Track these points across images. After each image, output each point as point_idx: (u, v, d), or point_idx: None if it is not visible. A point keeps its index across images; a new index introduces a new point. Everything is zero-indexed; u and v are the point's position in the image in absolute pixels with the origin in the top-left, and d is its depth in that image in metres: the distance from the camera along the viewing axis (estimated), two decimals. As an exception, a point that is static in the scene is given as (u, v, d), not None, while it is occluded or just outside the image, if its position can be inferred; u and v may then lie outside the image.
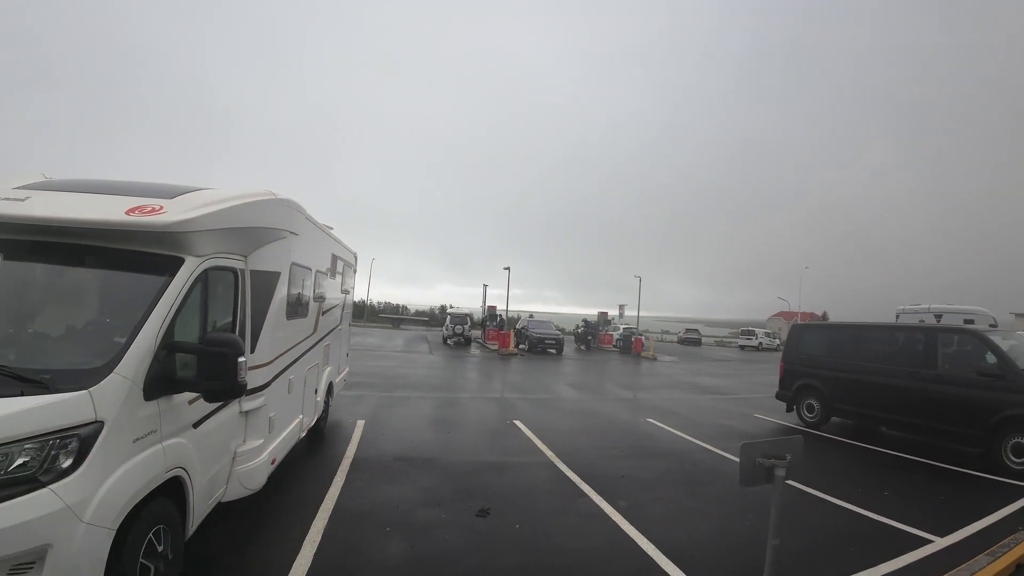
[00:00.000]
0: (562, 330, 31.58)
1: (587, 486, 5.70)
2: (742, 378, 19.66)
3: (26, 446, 2.20)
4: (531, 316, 36.12)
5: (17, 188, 3.24)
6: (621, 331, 32.71)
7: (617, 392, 13.98)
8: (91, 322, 3.06)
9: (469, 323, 29.33)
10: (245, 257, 3.91)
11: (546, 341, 25.77)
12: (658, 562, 3.96)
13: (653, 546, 4.22)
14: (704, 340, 49.80)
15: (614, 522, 4.74)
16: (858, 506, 5.45)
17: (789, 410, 10.53)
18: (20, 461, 2.19)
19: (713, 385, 16.68)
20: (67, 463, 2.27)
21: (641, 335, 32.12)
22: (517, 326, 29.82)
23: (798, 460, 3.10)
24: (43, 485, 2.19)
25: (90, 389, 2.42)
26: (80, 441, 2.32)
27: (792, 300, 54.30)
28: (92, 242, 3.06)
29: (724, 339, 57.50)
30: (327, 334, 6.69)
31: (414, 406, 10.04)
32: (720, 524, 4.90)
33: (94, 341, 2.88)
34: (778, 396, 10.81)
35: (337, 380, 7.85)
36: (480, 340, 29.86)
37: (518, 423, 8.86)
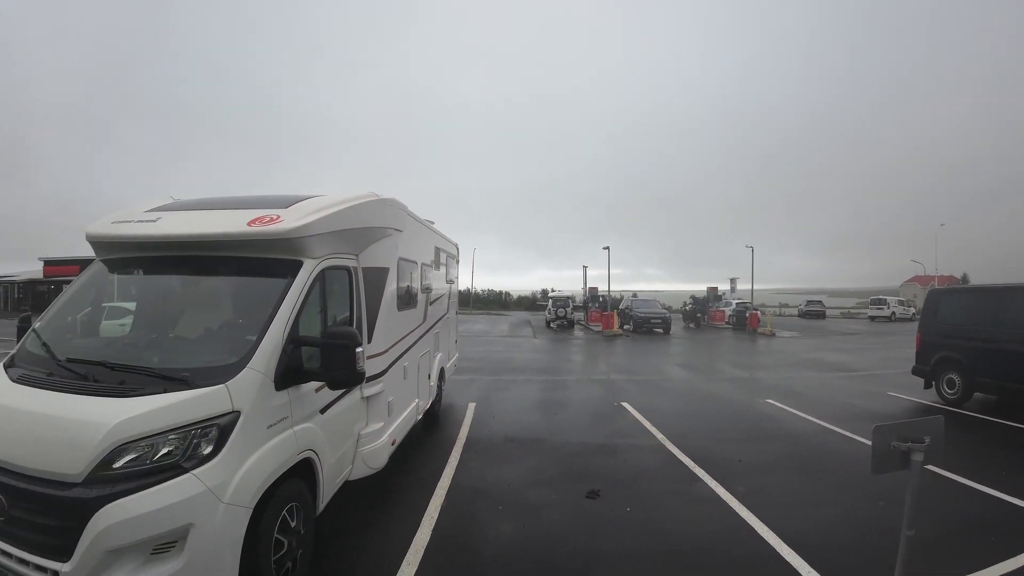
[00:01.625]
0: (668, 308, 30.27)
1: (701, 470, 5.43)
2: (873, 353, 17.61)
3: (169, 437, 2.44)
4: (635, 295, 34.96)
5: (148, 211, 3.65)
6: (733, 306, 30.48)
7: (731, 372, 13.13)
8: (225, 323, 3.37)
9: (571, 305, 29.07)
10: (357, 256, 4.16)
11: (652, 320, 24.84)
12: (780, 551, 3.66)
13: (774, 534, 3.91)
14: (828, 312, 45.07)
15: (731, 508, 4.46)
16: (1004, 492, 4.73)
17: (927, 387, 9.25)
18: (164, 451, 2.42)
19: (840, 362, 15.10)
20: (208, 450, 2.49)
21: (756, 310, 29.83)
22: (621, 306, 29.09)
23: (938, 443, 2.64)
24: (186, 471, 2.40)
25: (227, 383, 2.67)
26: (219, 430, 2.55)
27: (928, 263, 47.38)
28: (220, 252, 3.38)
29: (851, 310, 51.74)
30: (436, 322, 6.96)
31: (521, 389, 10.19)
32: (847, 512, 4.44)
33: (228, 340, 3.16)
34: (914, 371, 9.54)
35: (448, 365, 8.16)
36: (583, 322, 29.61)
37: (626, 405, 8.65)
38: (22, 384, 2.79)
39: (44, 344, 3.11)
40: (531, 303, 48.40)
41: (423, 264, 6.12)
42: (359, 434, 4.08)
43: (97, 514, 2.22)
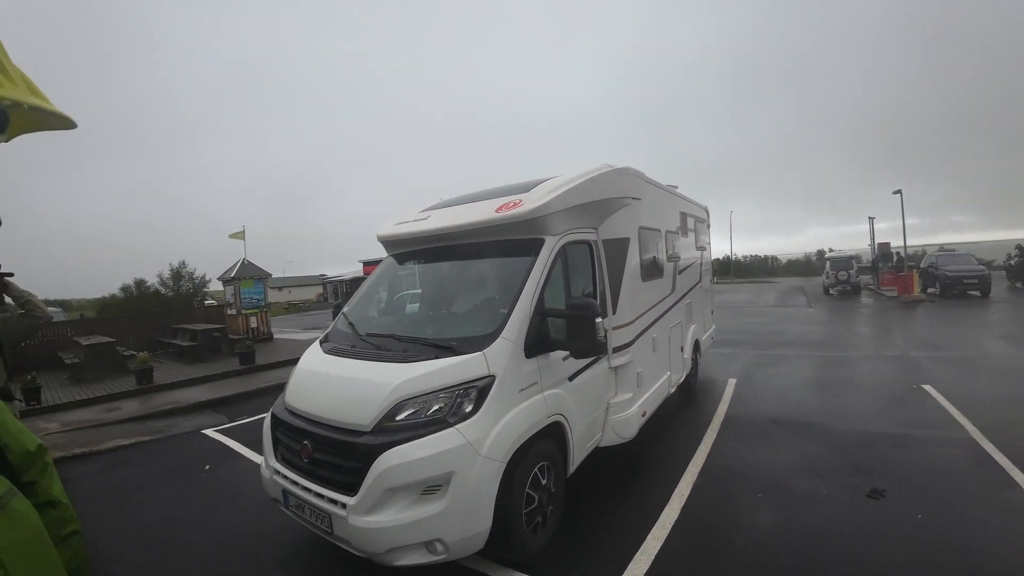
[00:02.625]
0: (988, 263, 22.58)
1: (1022, 473, 3.96)
2: None
3: (439, 395, 2.80)
4: (941, 249, 26.33)
5: (421, 211, 4.35)
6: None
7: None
8: (484, 299, 3.72)
9: (855, 267, 23.70)
10: (596, 229, 4.14)
11: (965, 280, 18.48)
12: None
13: None
14: None
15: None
16: None
17: None
18: (436, 407, 2.78)
19: None
20: (469, 408, 2.79)
21: None
22: (922, 264, 22.55)
23: None
24: (451, 425, 2.72)
25: (484, 351, 2.96)
26: (478, 391, 2.83)
27: None
28: (477, 239, 3.79)
29: None
30: (686, 292, 6.52)
31: (791, 365, 8.81)
32: None
33: (486, 313, 3.47)
34: None
35: (703, 337, 7.59)
36: (872, 286, 24.21)
37: (928, 388, 6.71)
38: (333, 355, 3.50)
39: (350, 323, 3.87)
40: (804, 267, 41.67)
41: (667, 232, 5.76)
42: (608, 403, 4.07)
43: (380, 457, 2.63)
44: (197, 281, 24.79)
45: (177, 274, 24.99)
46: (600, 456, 4.19)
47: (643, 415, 4.45)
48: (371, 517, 2.60)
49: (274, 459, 3.26)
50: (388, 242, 4.43)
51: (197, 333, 13.21)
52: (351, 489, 2.69)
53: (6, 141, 0.52)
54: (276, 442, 3.30)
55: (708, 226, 8.51)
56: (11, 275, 3.10)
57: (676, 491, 3.99)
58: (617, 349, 4.10)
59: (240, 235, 16.43)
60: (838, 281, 23.27)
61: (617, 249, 4.32)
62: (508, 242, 3.65)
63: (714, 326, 8.81)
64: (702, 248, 7.85)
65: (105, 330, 13.99)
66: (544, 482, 3.19)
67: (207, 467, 5.38)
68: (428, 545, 2.63)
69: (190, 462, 5.59)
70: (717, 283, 9.65)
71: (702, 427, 5.54)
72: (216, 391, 9.15)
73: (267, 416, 3.50)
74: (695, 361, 6.99)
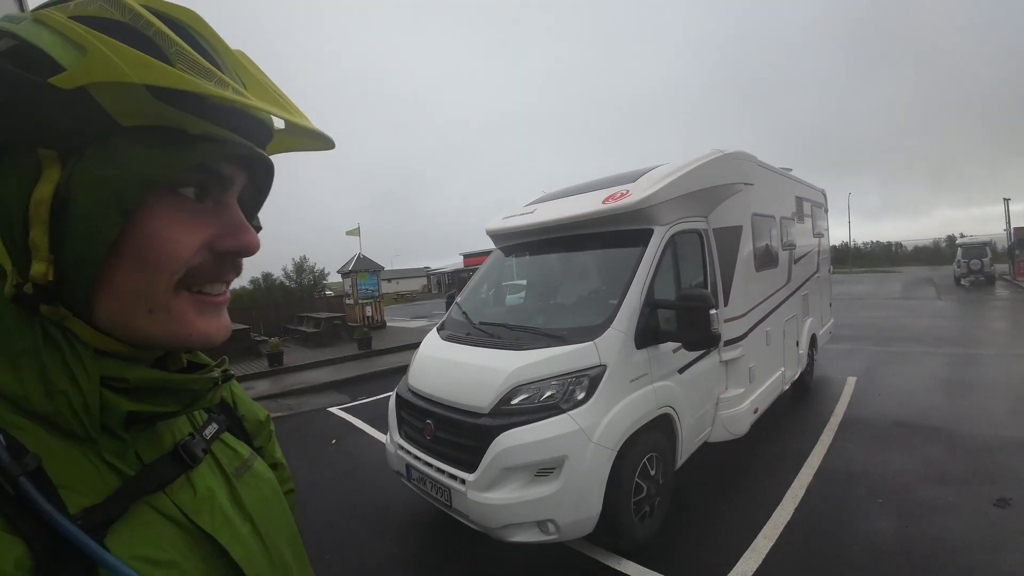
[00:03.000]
0: None
1: None
2: None
3: (552, 383, 2.87)
4: None
5: (527, 205, 4.42)
6: None
7: None
8: (593, 290, 3.72)
9: (989, 255, 20.67)
10: (706, 217, 3.99)
11: None
12: None
13: None
14: None
15: None
16: None
17: None
18: (548, 393, 2.85)
19: None
20: (580, 396, 2.83)
21: None
22: None
23: None
24: (563, 411, 2.77)
25: (595, 340, 2.98)
26: (589, 380, 2.86)
27: None
28: (584, 231, 3.79)
29: None
30: (803, 283, 6.05)
31: (918, 363, 7.88)
32: None
33: (595, 304, 3.47)
34: None
35: (820, 332, 7.00)
36: (1008, 276, 20.87)
37: None
38: (449, 342, 3.69)
39: (464, 312, 4.04)
40: (932, 255, 36.70)
41: (782, 218, 5.37)
42: (719, 398, 3.92)
43: (497, 438, 2.74)
44: (317, 274, 27.08)
45: (299, 268, 27.47)
46: (709, 451, 4.06)
47: (755, 412, 4.23)
48: (488, 494, 2.73)
49: (398, 435, 3.50)
50: (496, 236, 4.57)
51: (320, 321, 14.41)
52: (470, 466, 2.84)
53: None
54: (400, 420, 3.55)
55: (825, 211, 7.80)
56: None
57: (789, 492, 3.77)
58: (729, 343, 3.93)
59: (355, 232, 17.70)
60: (970, 271, 20.46)
61: (729, 238, 4.12)
62: (616, 233, 3.62)
63: (832, 319, 8.09)
64: (819, 235, 7.22)
65: (239, 318, 15.44)
66: (652, 473, 3.17)
67: (334, 441, 5.88)
68: (540, 525, 2.72)
69: (318, 436, 6.14)
70: (835, 273, 8.73)
71: (818, 427, 5.15)
72: (338, 373, 9.89)
73: (392, 396, 3.76)
74: (811, 357, 6.49)
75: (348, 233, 17.60)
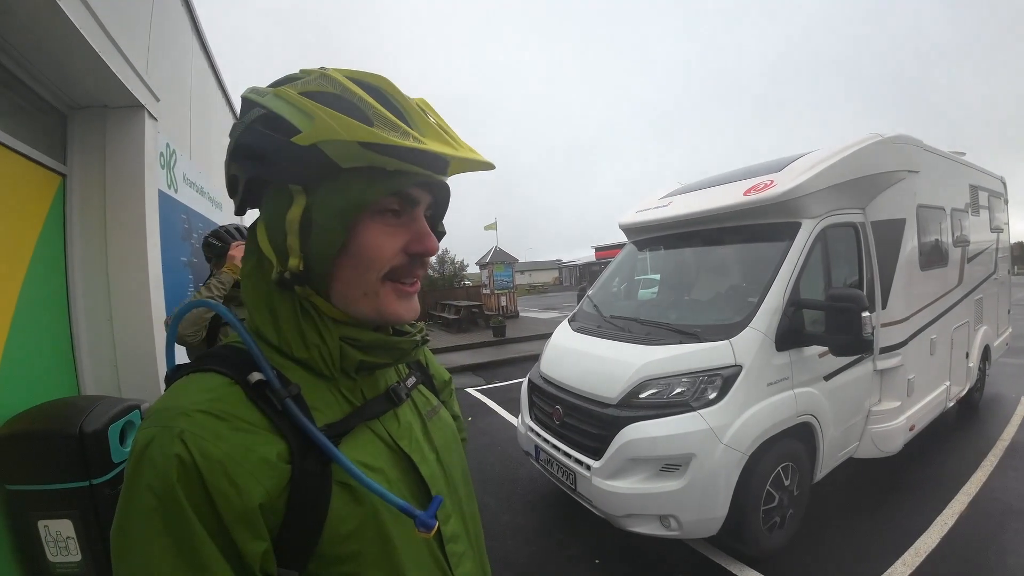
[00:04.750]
0: None
1: None
2: None
3: (682, 379, 2.72)
4: None
5: (662, 197, 4.18)
6: None
7: None
8: (730, 287, 3.44)
9: None
10: (863, 209, 3.50)
11: None
12: None
13: None
14: None
15: None
16: None
17: None
18: (678, 390, 2.71)
19: None
20: (712, 395, 2.66)
21: None
22: None
23: None
24: (693, 409, 2.62)
25: (730, 339, 2.77)
26: (723, 380, 2.68)
27: None
28: (723, 224, 3.52)
29: None
30: (977, 285, 5.09)
31: None
32: None
33: (733, 302, 3.22)
34: None
35: (996, 343, 5.84)
36: None
37: None
38: (580, 333, 3.66)
39: (595, 305, 3.97)
40: None
41: (953, 210, 4.54)
42: (870, 410, 3.45)
43: (624, 429, 2.68)
44: (457, 265, 28.72)
45: (442, 260, 29.40)
46: (854, 467, 3.62)
47: (910, 429, 3.68)
48: (612, 481, 2.69)
49: (529, 418, 3.57)
50: (629, 229, 4.41)
51: (460, 308, 15.24)
52: (596, 453, 2.81)
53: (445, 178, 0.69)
54: (531, 404, 3.61)
55: (1005, 202, 6.47)
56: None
57: (939, 519, 3.24)
58: (885, 350, 3.43)
59: (493, 226, 18.51)
60: None
61: (889, 232, 3.58)
62: (758, 227, 3.30)
63: (1010, 329, 6.73)
64: (998, 229, 6.01)
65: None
66: (787, 483, 2.90)
67: (469, 419, 6.17)
68: (662, 519, 2.63)
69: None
70: (1016, 274, 7.02)
71: (981, 451, 4.36)
72: (475, 357, 10.36)
73: (525, 381, 3.84)
74: (982, 371, 5.48)
75: (486, 228, 18.41)
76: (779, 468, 2.84)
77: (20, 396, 1.79)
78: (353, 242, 0.61)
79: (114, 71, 2.74)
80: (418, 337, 0.74)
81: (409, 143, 0.58)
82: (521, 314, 18.44)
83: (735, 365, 2.72)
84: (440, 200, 0.73)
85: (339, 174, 0.59)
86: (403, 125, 0.59)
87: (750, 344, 2.76)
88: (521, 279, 57.13)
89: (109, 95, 2.98)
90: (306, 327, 0.63)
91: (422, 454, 0.70)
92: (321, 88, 0.59)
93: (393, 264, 0.64)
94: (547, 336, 4.07)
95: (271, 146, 0.58)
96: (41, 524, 2.35)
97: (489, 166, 0.69)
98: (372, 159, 0.59)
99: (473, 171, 0.71)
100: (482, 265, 18.59)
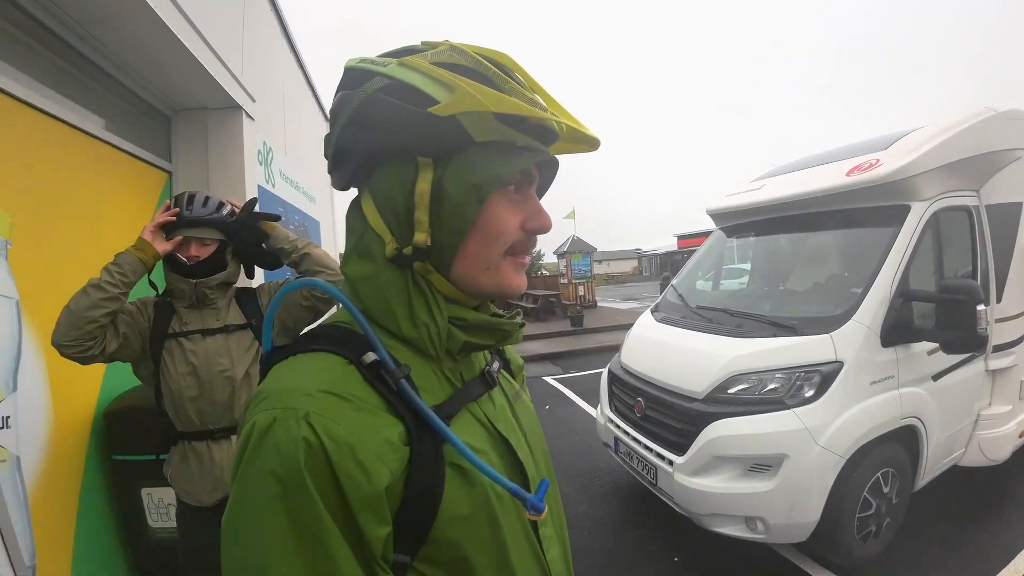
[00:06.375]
0: None
1: None
2: None
3: (776, 375, 2.51)
4: None
5: (754, 180, 3.82)
6: None
7: None
8: (831, 276, 3.16)
9: None
10: (977, 192, 3.10)
11: None
12: None
13: None
14: None
15: None
16: None
17: None
18: (771, 386, 2.50)
19: None
20: (809, 393, 2.44)
21: None
22: None
23: None
24: (788, 407, 2.42)
25: (831, 333, 2.52)
26: (821, 376, 2.45)
27: None
28: (822, 208, 3.19)
29: None
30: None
31: None
32: None
33: (833, 292, 2.96)
34: None
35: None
36: None
37: None
38: (664, 324, 3.46)
39: (680, 295, 3.72)
40: None
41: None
42: (979, 414, 3.10)
43: (710, 425, 2.51)
44: (535, 254, 28.85)
45: None
46: (957, 475, 3.28)
47: (1020, 436, 3.30)
48: (696, 479, 2.52)
49: (609, 409, 3.43)
50: (718, 215, 4.09)
51: (538, 297, 15.10)
52: (679, 449, 2.65)
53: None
54: (611, 395, 3.47)
55: None
56: (277, 218, 1.89)
57: None
58: (998, 348, 3.05)
59: (571, 216, 18.17)
60: None
61: (1005, 217, 3.17)
62: (862, 210, 2.97)
63: None
64: None
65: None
66: (885, 490, 2.64)
67: (547, 407, 6.10)
68: (748, 521, 2.44)
69: (534, 400, 6.58)
70: None
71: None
72: (552, 347, 10.21)
73: (604, 371, 3.70)
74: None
75: (565, 217, 18.26)
76: (878, 474, 2.60)
77: (128, 376, 1.86)
78: (481, 217, 0.59)
79: (212, 75, 2.88)
80: (518, 319, 0.70)
81: (547, 115, 0.58)
82: (599, 304, 17.96)
83: (836, 361, 2.47)
84: (544, 180, 0.70)
85: (469, 147, 0.58)
86: (537, 99, 0.59)
87: (853, 338, 2.50)
88: (599, 268, 55.45)
89: (209, 97, 3.15)
90: (417, 305, 0.61)
91: (517, 437, 0.69)
92: (453, 60, 0.57)
93: (514, 239, 0.62)
94: (625, 327, 3.90)
95: (400, 116, 0.56)
96: (144, 492, 2.46)
97: (595, 144, 0.68)
98: (506, 133, 0.58)
99: (578, 151, 0.70)
100: (560, 254, 18.26)
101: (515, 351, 0.99)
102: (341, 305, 0.61)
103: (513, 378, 0.86)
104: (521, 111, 0.56)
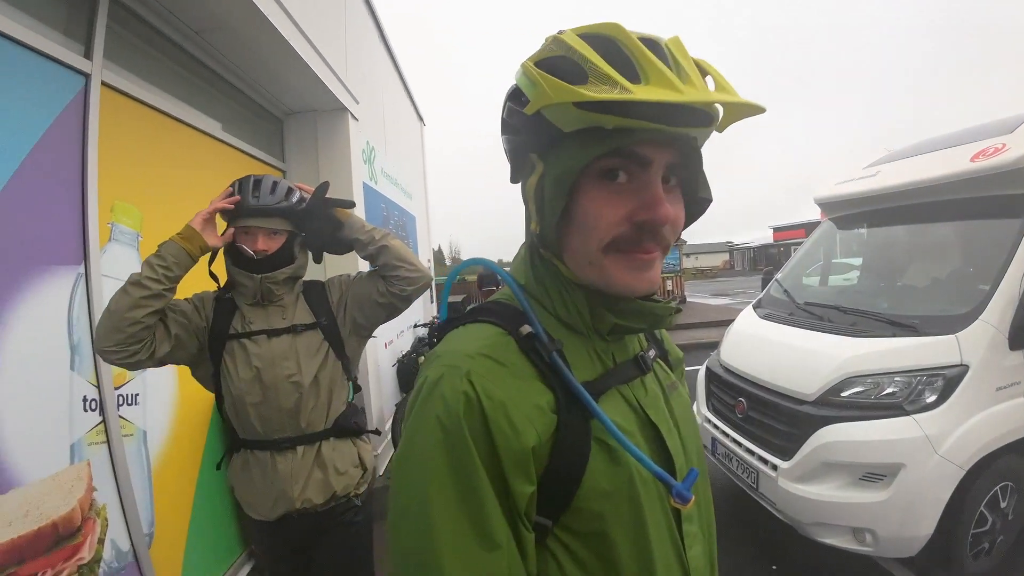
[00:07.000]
0: None
1: None
2: None
3: (895, 378, 2.33)
4: None
5: (867, 167, 3.52)
6: None
7: None
8: (953, 272, 2.94)
9: None
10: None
11: None
12: None
13: None
14: None
15: None
16: None
17: None
18: (888, 390, 2.33)
19: None
20: (931, 399, 2.26)
21: None
22: None
23: None
24: (907, 413, 2.25)
25: (956, 334, 2.33)
26: (945, 381, 2.27)
27: None
28: (943, 196, 2.93)
29: None
30: None
31: None
32: None
33: (957, 289, 2.75)
34: None
35: None
36: None
37: None
38: (768, 321, 3.28)
39: (785, 291, 3.51)
40: None
41: None
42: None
43: (821, 430, 2.36)
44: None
45: None
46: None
47: None
48: (802, 485, 2.38)
49: (706, 408, 3.32)
50: (827, 204, 3.82)
51: None
52: (784, 453, 2.51)
53: (720, 132, 0.62)
54: (710, 394, 3.34)
55: None
56: (352, 204, 1.71)
57: None
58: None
59: None
60: None
61: None
62: (987, 199, 2.71)
63: None
64: None
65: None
66: (1003, 505, 2.45)
67: None
68: (856, 532, 2.29)
69: None
70: None
71: None
72: None
73: (701, 369, 3.57)
74: None
75: None
76: (996, 488, 2.40)
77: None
78: (575, 209, 0.59)
79: (321, 79, 3.00)
80: (673, 304, 0.68)
81: (611, 95, 0.50)
82: (688, 300, 17.29)
83: (961, 364, 2.28)
84: (689, 159, 0.60)
85: (563, 139, 0.58)
86: (617, 76, 0.51)
87: (980, 340, 2.30)
88: (688, 263, 52.93)
89: (318, 101, 3.33)
90: (564, 287, 0.65)
91: (667, 425, 0.67)
92: (550, 53, 0.56)
93: (615, 234, 0.58)
94: (716, 324, 3.76)
95: (511, 119, 0.62)
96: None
97: (757, 109, 0.56)
98: (590, 119, 0.54)
99: (739, 119, 0.59)
100: (648, 248, 18.15)
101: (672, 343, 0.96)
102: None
103: (672, 370, 0.84)
104: (578, 97, 0.51)
